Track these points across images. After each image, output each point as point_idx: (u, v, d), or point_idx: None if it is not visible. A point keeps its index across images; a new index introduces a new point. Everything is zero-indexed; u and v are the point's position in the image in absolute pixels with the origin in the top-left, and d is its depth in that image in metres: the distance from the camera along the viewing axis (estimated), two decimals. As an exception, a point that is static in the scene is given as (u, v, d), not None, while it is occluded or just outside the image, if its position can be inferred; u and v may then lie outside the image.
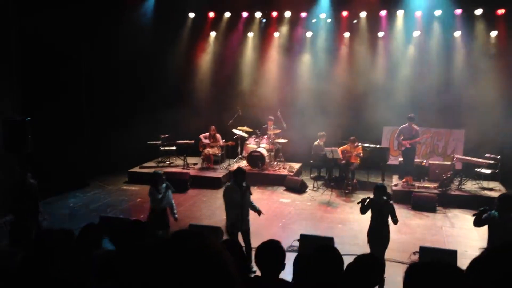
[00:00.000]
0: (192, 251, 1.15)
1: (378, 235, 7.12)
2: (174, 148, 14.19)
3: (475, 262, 1.11)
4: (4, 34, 9.99)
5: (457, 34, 14.02)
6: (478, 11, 13.56)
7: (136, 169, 13.65)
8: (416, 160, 13.05)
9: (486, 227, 6.51)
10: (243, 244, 7.44)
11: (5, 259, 3.96)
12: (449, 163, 12.98)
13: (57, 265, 3.12)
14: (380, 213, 7.14)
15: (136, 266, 1.15)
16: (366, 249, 7.19)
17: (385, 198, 7.24)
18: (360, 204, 7.35)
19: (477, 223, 6.56)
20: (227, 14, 15.28)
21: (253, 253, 3.71)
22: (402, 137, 12.55)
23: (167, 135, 14.12)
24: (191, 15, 15.29)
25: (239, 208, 7.47)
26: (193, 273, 1.11)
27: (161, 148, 14.09)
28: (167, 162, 14.17)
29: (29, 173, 7.79)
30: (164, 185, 7.95)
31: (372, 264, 3.48)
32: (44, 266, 3.02)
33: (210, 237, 1.20)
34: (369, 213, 7.33)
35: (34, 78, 10.98)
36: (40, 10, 10.67)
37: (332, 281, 3.13)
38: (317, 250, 3.32)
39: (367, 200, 7.31)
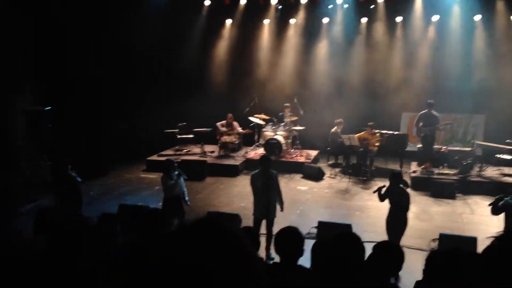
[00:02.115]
0: (215, 235, 1.15)
1: (395, 222, 7.10)
2: (191, 136, 14.24)
3: (488, 249, 1.10)
4: (23, 27, 10.09)
5: (477, 17, 13.71)
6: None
7: (154, 157, 13.75)
8: (435, 146, 12.90)
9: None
10: (264, 232, 7.50)
11: (28, 248, 4.03)
12: (469, 149, 12.79)
13: (79, 254, 3.16)
14: (397, 200, 7.11)
15: (160, 253, 1.16)
16: (385, 236, 7.17)
17: (401, 185, 7.19)
18: (377, 193, 7.35)
19: (495, 211, 6.51)
20: (243, 1, 15.18)
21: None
22: (421, 124, 12.41)
23: (184, 123, 14.17)
24: (207, 2, 15.23)
25: (264, 196, 7.48)
26: (218, 256, 1.11)
27: (178, 136, 14.15)
28: (185, 150, 14.23)
29: (70, 167, 7.90)
30: (176, 172, 8.01)
31: (391, 251, 3.46)
32: (67, 256, 3.07)
33: (230, 223, 1.21)
34: (387, 201, 7.30)
35: (54, 69, 11.10)
36: (57, 2, 10.75)
37: (352, 268, 3.12)
38: (338, 236, 3.30)
39: (383, 188, 7.29)
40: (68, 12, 10.91)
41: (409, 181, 11.64)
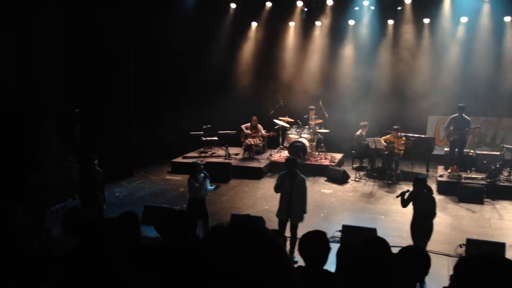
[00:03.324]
0: (252, 237, 1.16)
1: (421, 228, 7.01)
2: (216, 138, 14.33)
3: None
4: (54, 27, 10.33)
5: (508, 18, 13.42)
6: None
7: (179, 159, 13.89)
8: (463, 149, 12.67)
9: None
10: (288, 235, 7.50)
11: (59, 246, 4.14)
12: (498, 153, 12.53)
13: (111, 253, 3.23)
14: (421, 206, 7.02)
15: (192, 253, 1.17)
16: (410, 241, 7.09)
17: (425, 190, 7.10)
18: (400, 198, 7.26)
19: None
20: (269, 4, 15.22)
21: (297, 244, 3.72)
22: (452, 127, 12.22)
23: (209, 126, 14.27)
24: (233, 5, 15.33)
25: (288, 198, 7.50)
26: (255, 258, 1.11)
27: (203, 139, 14.26)
28: (209, 153, 14.34)
29: (96, 162, 8.07)
30: (202, 174, 8.11)
31: (417, 256, 3.44)
32: (97, 254, 3.14)
33: (263, 225, 1.22)
34: (411, 205, 7.22)
35: (84, 71, 11.33)
36: (87, 5, 10.98)
37: (380, 273, 3.11)
38: (366, 240, 3.30)
39: (407, 194, 7.20)
40: (101, 12, 11.13)
41: (435, 185, 11.51)
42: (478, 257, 2.09)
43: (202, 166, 8.27)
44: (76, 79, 11.03)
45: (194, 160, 12.03)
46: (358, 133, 13.41)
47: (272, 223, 7.84)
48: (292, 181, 7.48)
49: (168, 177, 13.18)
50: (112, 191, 11.58)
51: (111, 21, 11.59)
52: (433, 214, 7.00)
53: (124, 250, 4.02)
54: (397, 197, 7.40)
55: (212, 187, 8.34)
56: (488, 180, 11.47)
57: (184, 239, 3.96)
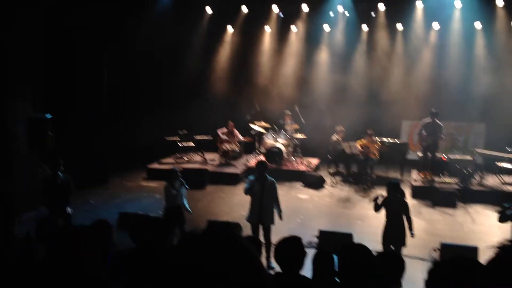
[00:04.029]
0: (224, 244, 1.15)
1: (394, 233, 7.06)
2: (192, 144, 14.22)
3: (493, 259, 1.09)
4: (26, 30, 10.10)
5: (478, 26, 13.75)
6: (500, 2, 13.27)
7: (155, 165, 13.73)
8: (436, 154, 12.88)
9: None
10: (263, 240, 7.47)
11: (28, 254, 4.02)
12: (469, 157, 12.77)
13: (80, 262, 3.15)
14: (394, 210, 7.07)
15: (168, 262, 1.16)
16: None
17: (398, 195, 7.15)
18: (374, 202, 7.29)
19: (502, 219, 6.45)
20: (245, 9, 15.23)
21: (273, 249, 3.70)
22: (425, 133, 12.38)
23: (185, 131, 14.16)
24: (209, 10, 15.28)
25: (258, 201, 7.48)
26: (227, 265, 1.11)
27: (179, 144, 14.13)
28: (185, 158, 14.23)
29: (62, 168, 7.90)
30: (179, 182, 8.03)
31: (392, 261, 3.46)
32: (67, 262, 3.06)
33: (238, 233, 1.21)
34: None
35: (56, 76, 11.12)
36: (61, 8, 10.79)
37: (360, 279, 3.11)
38: (344, 247, 3.30)
39: (380, 198, 7.23)
40: (74, 18, 10.95)
41: (410, 190, 11.65)
42: (450, 262, 2.10)
43: (179, 174, 8.19)
44: (48, 83, 10.81)
45: (171, 166, 11.92)
46: (334, 138, 13.50)
47: (249, 229, 7.80)
48: (262, 185, 7.48)
49: (143, 183, 13.01)
50: (86, 198, 11.35)
51: (83, 25, 11.42)
52: (408, 219, 7.06)
53: (98, 258, 3.94)
54: (370, 201, 7.43)
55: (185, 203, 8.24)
56: (460, 184, 11.67)
57: (159, 246, 3.90)
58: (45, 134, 9.05)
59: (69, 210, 8.00)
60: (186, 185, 8.22)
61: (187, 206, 8.23)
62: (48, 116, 9.32)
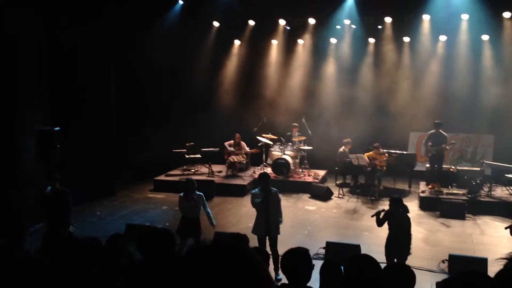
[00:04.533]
0: (231, 255, 1.16)
1: (397, 245, 7.03)
2: (199, 156, 14.25)
3: (502, 272, 1.08)
4: (33, 44, 10.25)
5: (485, 37, 13.75)
6: (507, 14, 13.28)
7: (162, 177, 13.77)
8: (444, 166, 12.82)
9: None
10: (270, 252, 7.44)
11: (33, 265, 4.03)
12: (478, 169, 12.70)
13: (85, 273, 3.16)
14: (397, 225, 7.06)
15: (175, 272, 1.17)
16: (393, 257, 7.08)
17: (401, 210, 7.13)
18: (375, 217, 7.25)
19: None
20: (252, 22, 15.35)
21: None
22: (430, 143, 12.40)
23: (192, 143, 14.20)
24: (216, 24, 15.41)
25: (265, 213, 7.47)
26: (234, 276, 1.12)
27: (186, 156, 14.17)
28: (192, 170, 14.25)
29: (58, 181, 7.88)
30: (197, 193, 7.97)
31: (403, 274, 3.43)
32: (72, 274, 3.07)
33: (245, 244, 1.22)
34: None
35: (63, 88, 11.23)
36: (68, 20, 10.92)
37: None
38: (354, 258, 3.29)
39: (382, 213, 7.22)
40: (82, 30, 11.08)
41: (418, 201, 11.59)
42: (460, 276, 2.09)
43: (195, 184, 8.10)
44: (55, 97, 10.92)
45: (178, 178, 11.92)
46: (341, 149, 13.48)
47: (256, 240, 7.78)
48: (267, 197, 7.47)
49: (150, 195, 13.03)
50: (93, 210, 11.40)
51: (91, 39, 11.55)
52: (408, 235, 7.05)
53: (110, 270, 3.96)
54: (372, 216, 7.40)
55: (209, 213, 8.15)
56: (469, 195, 11.59)
57: (166, 258, 3.90)
58: (54, 147, 9.12)
59: (72, 228, 7.75)
60: (198, 194, 8.07)
61: (211, 217, 8.10)
62: (57, 129, 9.40)
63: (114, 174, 12.88)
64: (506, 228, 6.49)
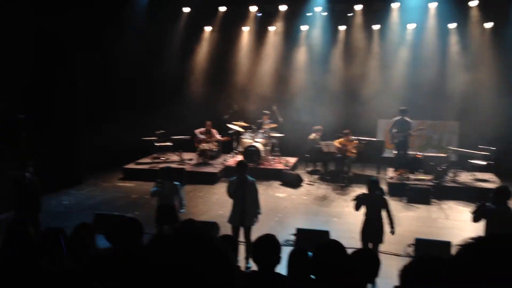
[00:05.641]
0: (194, 244, 1.16)
1: (372, 230, 7.11)
2: (169, 144, 14.13)
3: (456, 257, 1.11)
4: (6, 33, 9.92)
5: (453, 25, 14.02)
6: (473, 3, 13.57)
7: (132, 166, 13.61)
8: (411, 152, 13.10)
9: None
10: (244, 241, 7.45)
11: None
12: (444, 155, 13.02)
13: (48, 261, 3.13)
14: (374, 207, 7.12)
15: (140, 262, 1.16)
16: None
17: (378, 192, 7.22)
18: (355, 201, 7.26)
19: (476, 219, 6.53)
20: (222, 9, 15.20)
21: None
22: (395, 130, 12.62)
23: (162, 131, 14.06)
24: (186, 9, 15.20)
25: (241, 203, 7.45)
26: (196, 266, 1.12)
27: (156, 144, 14.03)
28: (163, 158, 14.13)
29: (30, 169, 7.74)
30: (169, 181, 7.91)
31: (367, 259, 3.50)
32: (31, 262, 3.03)
33: (209, 232, 1.23)
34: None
35: (31, 76, 10.93)
36: (34, 11, 10.61)
37: (333, 275, 3.15)
38: (322, 244, 3.34)
39: (361, 197, 7.23)
40: (49, 20, 10.77)
41: (385, 187, 11.82)
42: (420, 261, 2.15)
43: (170, 172, 8.00)
44: (21, 84, 10.62)
45: (148, 166, 11.77)
46: (311, 136, 13.59)
47: (227, 228, 7.81)
48: (244, 186, 7.43)
49: (119, 183, 12.87)
50: (60, 200, 11.19)
51: (59, 27, 11.25)
52: (389, 215, 7.10)
53: (78, 260, 3.91)
54: (352, 200, 7.39)
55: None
56: (434, 181, 11.89)
57: (135, 247, 3.87)
58: (18, 135, 8.89)
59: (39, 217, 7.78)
60: (178, 183, 8.02)
61: (183, 204, 8.00)
62: (22, 116, 9.16)
63: (82, 162, 12.65)
64: (471, 212, 6.67)
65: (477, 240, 1.10)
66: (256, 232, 6.50)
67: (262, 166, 13.38)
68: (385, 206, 7.10)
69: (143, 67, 14.62)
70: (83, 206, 10.80)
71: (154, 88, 14.91)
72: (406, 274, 2.25)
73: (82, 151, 12.57)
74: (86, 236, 4.29)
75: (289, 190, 12.33)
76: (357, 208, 7.21)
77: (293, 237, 8.43)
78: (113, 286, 3.20)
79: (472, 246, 1.08)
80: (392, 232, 7.15)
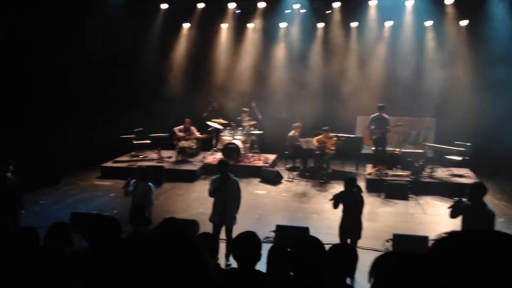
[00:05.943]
0: (170, 245, 1.15)
1: (350, 226, 7.18)
2: (148, 141, 13.99)
3: (430, 251, 1.12)
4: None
5: (429, 23, 14.21)
6: (449, 1, 13.77)
7: (109, 164, 13.43)
8: (389, 148, 13.24)
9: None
10: (224, 238, 7.42)
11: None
12: (421, 151, 13.21)
13: (24, 261, 3.06)
14: (351, 205, 7.19)
15: (115, 261, 1.15)
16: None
17: (355, 189, 7.29)
18: (333, 200, 7.29)
19: (454, 214, 6.61)
20: (201, 5, 15.10)
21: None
22: (373, 127, 12.74)
23: (140, 129, 13.91)
24: (164, 6, 15.05)
25: (222, 202, 7.41)
26: (171, 265, 1.11)
27: (135, 142, 13.88)
28: (141, 156, 13.99)
29: (11, 167, 7.61)
30: (141, 180, 7.77)
31: (345, 254, 3.52)
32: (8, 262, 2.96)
33: (188, 231, 1.21)
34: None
35: (7, 77, 10.72)
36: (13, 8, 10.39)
37: (311, 271, 3.16)
38: (300, 241, 3.35)
39: (339, 195, 7.28)
40: (26, 18, 10.55)
41: (364, 183, 11.93)
42: (390, 255, 2.18)
43: (143, 172, 7.86)
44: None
45: (126, 164, 11.61)
46: (291, 134, 13.62)
47: (206, 225, 7.78)
48: (226, 185, 7.40)
49: (97, 182, 12.69)
50: (37, 199, 10.97)
51: (35, 21, 11.03)
52: (361, 211, 7.21)
53: (53, 260, 3.84)
54: (331, 200, 7.40)
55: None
56: (412, 177, 12.04)
57: (113, 246, 3.83)
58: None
59: (22, 212, 7.76)
60: (151, 184, 7.87)
61: (151, 204, 7.79)
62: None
63: (59, 161, 12.43)
64: (448, 208, 6.75)
65: (450, 234, 1.11)
66: (236, 230, 6.49)
67: (241, 164, 13.35)
68: (361, 203, 7.19)
69: (121, 64, 14.45)
70: (61, 205, 10.62)
71: (132, 85, 14.74)
72: (375, 267, 2.27)
73: (60, 150, 12.34)
74: (62, 235, 4.23)
75: (268, 187, 12.35)
76: (335, 206, 7.29)
77: (273, 234, 8.45)
78: (90, 286, 3.15)
79: (445, 241, 1.09)
80: None
